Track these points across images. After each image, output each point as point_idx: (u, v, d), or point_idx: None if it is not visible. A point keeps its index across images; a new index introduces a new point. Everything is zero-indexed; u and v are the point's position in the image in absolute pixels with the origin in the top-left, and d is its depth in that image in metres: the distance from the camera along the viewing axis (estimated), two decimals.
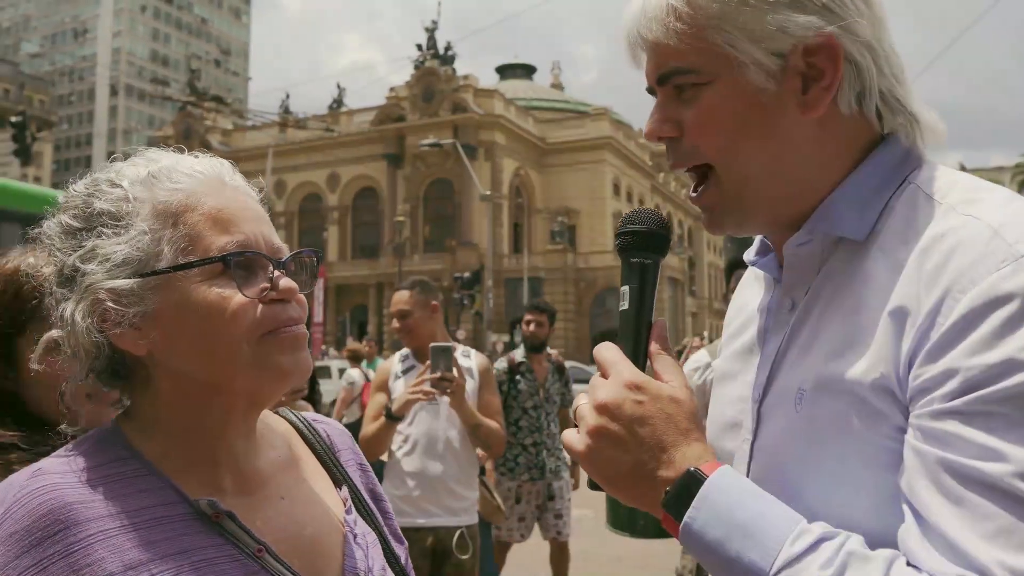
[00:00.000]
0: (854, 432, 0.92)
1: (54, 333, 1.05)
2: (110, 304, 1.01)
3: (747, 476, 1.06)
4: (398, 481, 4.09)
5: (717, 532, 0.88)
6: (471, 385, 4.10)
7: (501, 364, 6.30)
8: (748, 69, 0.99)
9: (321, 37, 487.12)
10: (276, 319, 1.05)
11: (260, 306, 1.04)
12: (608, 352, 1.03)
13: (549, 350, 6.60)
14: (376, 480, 1.31)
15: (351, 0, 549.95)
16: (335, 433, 1.29)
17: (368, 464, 1.31)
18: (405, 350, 4.30)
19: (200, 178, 1.06)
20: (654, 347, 1.04)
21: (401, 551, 1.24)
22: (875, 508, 0.90)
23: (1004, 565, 0.77)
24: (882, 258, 0.97)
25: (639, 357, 1.03)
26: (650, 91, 1.10)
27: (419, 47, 61.89)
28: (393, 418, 3.91)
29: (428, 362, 3.76)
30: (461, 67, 73.22)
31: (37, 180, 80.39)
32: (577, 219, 62.06)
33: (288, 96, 72.10)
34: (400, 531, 1.28)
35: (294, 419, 1.26)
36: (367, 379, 9.47)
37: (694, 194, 1.09)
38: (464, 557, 4.03)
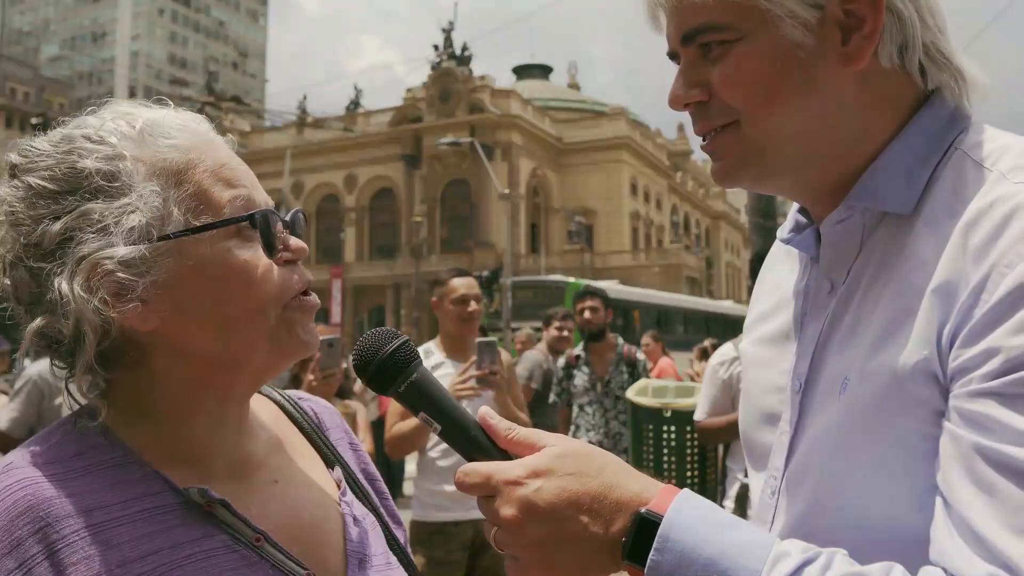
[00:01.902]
0: (896, 420, 0.87)
1: (38, 322, 0.91)
2: (121, 275, 0.89)
3: (784, 470, 1.01)
4: (435, 477, 4.03)
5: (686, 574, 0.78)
6: None
7: (560, 361, 5.86)
8: (783, 23, 0.91)
9: (338, 38, 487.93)
10: (299, 283, 0.99)
11: (276, 269, 0.97)
12: (473, 474, 0.87)
13: (620, 340, 5.79)
14: (369, 460, 1.22)
15: (368, 1, 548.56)
16: (323, 411, 1.21)
17: (359, 443, 1.24)
18: (427, 345, 4.24)
19: (192, 133, 0.98)
20: (502, 435, 0.90)
21: (400, 533, 1.17)
22: (919, 501, 0.84)
23: None
24: (928, 233, 0.89)
25: (496, 456, 0.90)
26: (671, 56, 1.02)
27: (436, 48, 61.94)
28: None
29: (473, 357, 3.77)
30: (478, 67, 73.47)
31: None
32: (594, 219, 61.89)
33: (305, 97, 72.63)
34: (398, 513, 1.21)
35: (278, 397, 1.18)
36: None
37: (704, 141, 1.01)
38: None
